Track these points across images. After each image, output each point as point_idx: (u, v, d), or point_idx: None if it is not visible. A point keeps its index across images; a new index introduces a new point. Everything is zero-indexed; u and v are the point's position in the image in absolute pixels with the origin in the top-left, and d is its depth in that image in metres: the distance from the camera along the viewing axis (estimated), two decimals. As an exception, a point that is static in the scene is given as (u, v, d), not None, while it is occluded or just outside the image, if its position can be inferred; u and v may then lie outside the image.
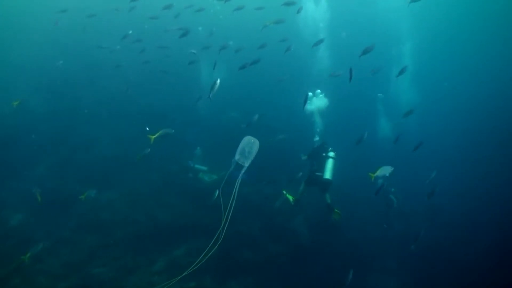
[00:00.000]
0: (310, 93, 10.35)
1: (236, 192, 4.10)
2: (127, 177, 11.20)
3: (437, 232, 11.27)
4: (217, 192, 5.15)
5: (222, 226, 3.90)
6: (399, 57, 18.55)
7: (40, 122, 12.79)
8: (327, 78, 10.46)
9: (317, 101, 10.68)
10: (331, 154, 8.31)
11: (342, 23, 18.80)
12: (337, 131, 11.56)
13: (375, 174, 6.90)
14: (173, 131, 7.95)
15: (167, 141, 9.33)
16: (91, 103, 13.97)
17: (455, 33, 21.30)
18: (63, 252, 8.36)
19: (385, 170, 6.85)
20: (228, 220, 3.92)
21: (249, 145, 4.29)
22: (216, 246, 3.92)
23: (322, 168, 8.19)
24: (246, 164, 4.20)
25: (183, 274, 4.03)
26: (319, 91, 10.84)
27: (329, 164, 8.18)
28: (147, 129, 7.79)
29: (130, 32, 12.46)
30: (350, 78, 6.84)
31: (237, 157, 4.25)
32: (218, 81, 6.34)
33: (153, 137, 7.67)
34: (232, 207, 3.95)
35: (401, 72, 9.71)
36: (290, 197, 8.46)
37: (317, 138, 9.56)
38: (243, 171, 4.21)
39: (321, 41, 10.31)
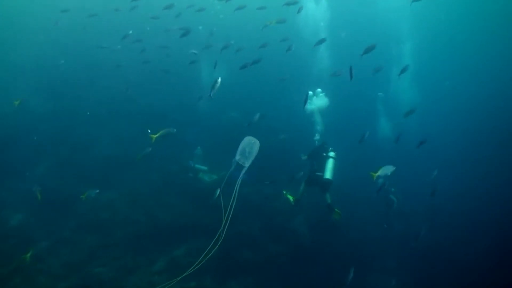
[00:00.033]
0: (310, 92, 10.32)
1: (236, 192, 4.09)
2: (127, 177, 11.21)
3: (437, 232, 11.26)
4: (218, 191, 5.14)
5: (222, 226, 3.90)
6: (399, 56, 18.54)
7: (40, 122, 12.79)
8: (328, 77, 10.46)
9: (318, 101, 10.65)
10: (332, 154, 8.29)
11: (342, 23, 18.79)
12: (337, 130, 11.56)
13: (377, 174, 6.86)
14: (175, 130, 7.95)
15: (167, 141, 9.34)
16: (91, 103, 13.96)
17: (455, 33, 21.29)
18: (63, 252, 8.37)
19: (387, 170, 6.81)
20: (229, 220, 3.92)
21: (250, 145, 4.28)
22: (217, 247, 3.91)
23: (322, 168, 8.18)
24: (247, 164, 4.19)
25: (184, 274, 4.03)
26: (319, 90, 10.81)
27: (330, 164, 8.16)
28: (149, 131, 7.79)
29: (131, 32, 12.46)
30: (351, 76, 6.82)
31: (237, 157, 4.24)
32: (219, 79, 6.32)
33: (155, 136, 7.67)
34: (233, 207, 3.94)
35: (403, 70, 9.72)
36: (291, 197, 8.46)
37: (317, 137, 9.55)
38: (243, 172, 4.20)
39: (322, 40, 10.29)
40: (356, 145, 9.05)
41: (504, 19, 20.22)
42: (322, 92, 10.80)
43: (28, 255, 7.14)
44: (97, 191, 8.92)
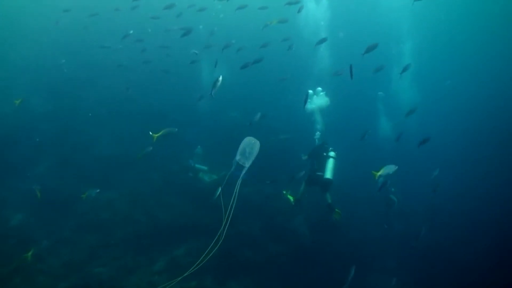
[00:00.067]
0: (310, 91, 10.30)
1: (237, 192, 4.09)
2: (127, 177, 11.20)
3: (437, 232, 11.26)
4: (219, 191, 5.14)
5: (223, 226, 3.90)
6: (400, 56, 18.55)
7: (40, 122, 12.77)
8: (328, 77, 10.45)
9: (318, 100, 10.64)
10: (332, 153, 8.30)
11: (343, 22, 18.79)
12: (338, 130, 11.56)
13: (379, 173, 6.83)
14: (176, 129, 7.96)
15: (167, 141, 9.33)
16: (91, 103, 13.96)
17: (456, 32, 21.29)
18: (63, 252, 8.36)
19: (389, 169, 6.79)
20: (229, 220, 3.91)
21: (250, 145, 4.28)
22: (217, 247, 3.91)
23: (322, 168, 8.19)
24: (247, 164, 4.19)
25: (185, 274, 4.03)
26: (320, 88, 10.80)
27: (330, 163, 8.17)
28: (150, 133, 7.79)
29: (131, 32, 12.46)
30: (351, 75, 6.82)
31: (238, 157, 4.24)
32: (220, 78, 6.31)
33: (156, 135, 7.65)
34: (233, 207, 3.94)
35: (405, 69, 9.71)
36: (291, 197, 8.46)
37: (317, 136, 9.54)
38: (243, 172, 4.20)
39: (323, 40, 10.28)
40: (357, 144, 9.05)
41: (504, 19, 20.23)
42: (322, 91, 10.78)
43: (29, 254, 7.14)
44: (98, 190, 8.91)
